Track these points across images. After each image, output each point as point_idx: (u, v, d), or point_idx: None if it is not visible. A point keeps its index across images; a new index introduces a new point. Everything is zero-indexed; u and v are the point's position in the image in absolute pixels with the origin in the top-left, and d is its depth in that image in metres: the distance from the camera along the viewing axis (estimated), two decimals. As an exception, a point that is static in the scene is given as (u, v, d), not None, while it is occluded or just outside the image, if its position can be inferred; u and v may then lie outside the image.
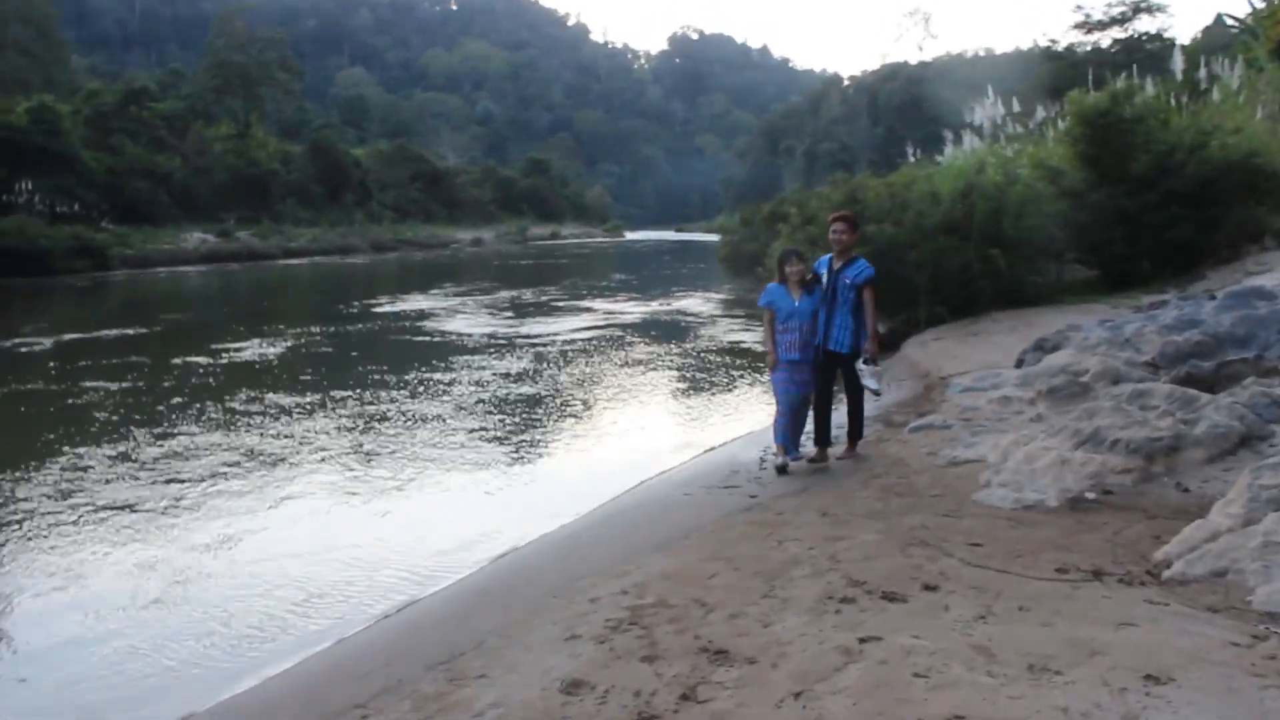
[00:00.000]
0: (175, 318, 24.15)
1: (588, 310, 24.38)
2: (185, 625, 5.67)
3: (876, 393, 7.61)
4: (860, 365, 7.41)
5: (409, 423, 11.09)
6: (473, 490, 8.42)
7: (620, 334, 19.50)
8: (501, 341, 18.24)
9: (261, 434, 10.56)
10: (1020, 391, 8.54)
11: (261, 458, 9.50)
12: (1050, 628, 3.99)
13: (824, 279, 7.51)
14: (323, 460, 9.44)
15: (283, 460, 9.46)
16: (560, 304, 26.29)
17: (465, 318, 22.83)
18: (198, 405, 12.23)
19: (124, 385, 13.74)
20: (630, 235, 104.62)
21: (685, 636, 4.15)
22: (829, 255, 7.64)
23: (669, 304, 26.31)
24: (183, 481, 8.69)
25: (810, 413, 7.70)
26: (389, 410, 11.82)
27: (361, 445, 10.07)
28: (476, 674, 4.13)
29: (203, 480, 8.69)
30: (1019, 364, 9.72)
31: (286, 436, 10.45)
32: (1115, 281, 14.79)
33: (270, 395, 12.86)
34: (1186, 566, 4.73)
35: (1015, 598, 4.36)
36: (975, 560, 4.90)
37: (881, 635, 3.95)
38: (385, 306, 25.70)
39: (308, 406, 12.14)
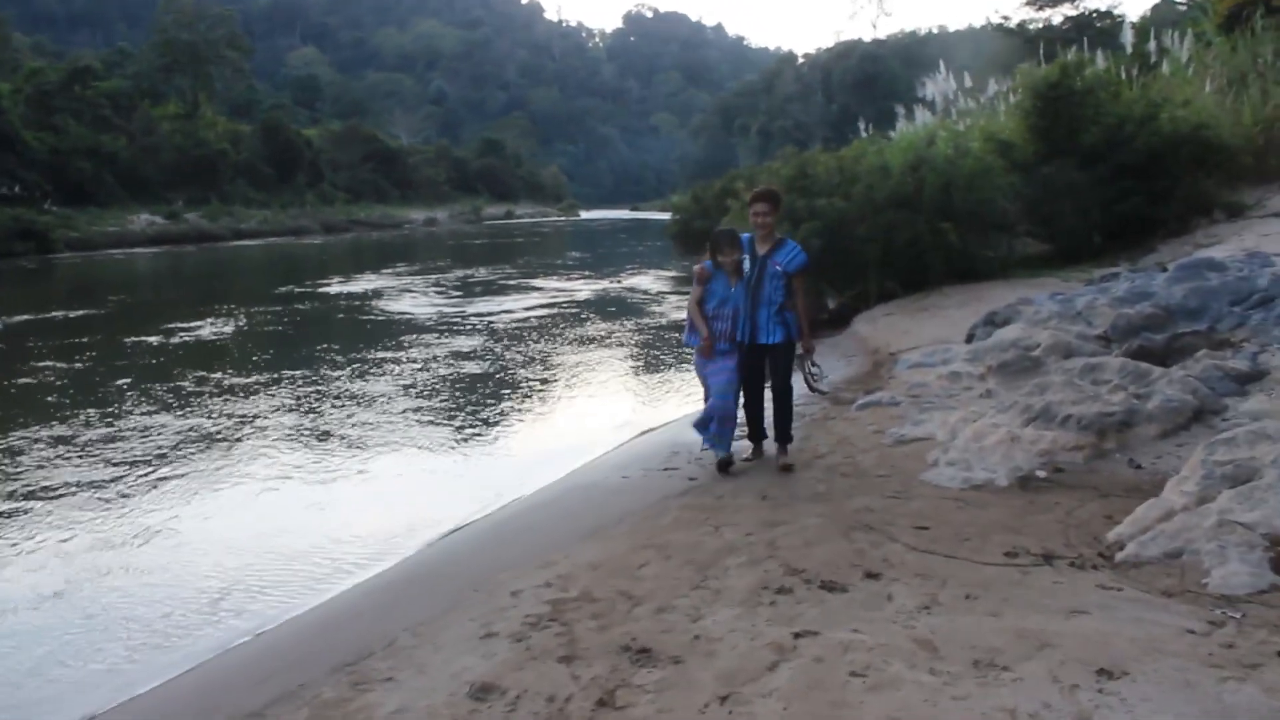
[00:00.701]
0: (121, 300, 23.52)
1: (538, 289, 24.00)
2: (88, 622, 5.28)
3: (825, 391, 7.40)
4: (812, 369, 6.94)
5: (349, 405, 10.70)
6: (409, 475, 8.06)
7: (569, 312, 19.16)
8: (449, 321, 17.83)
9: (200, 417, 10.15)
10: (970, 367, 8.32)
11: (197, 442, 9.09)
12: (998, 618, 3.74)
13: (746, 264, 6.55)
14: (259, 444, 9.04)
15: (219, 444, 9.06)
16: (512, 283, 25.87)
17: (415, 297, 22.38)
18: (139, 388, 11.79)
19: (66, 367, 13.29)
20: (585, 214, 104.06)
21: (608, 633, 3.85)
22: (749, 235, 6.68)
23: (620, 282, 25.98)
24: (115, 465, 8.28)
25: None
26: (331, 392, 11.42)
27: (300, 428, 9.68)
28: (383, 677, 3.81)
29: (134, 465, 8.27)
30: (969, 339, 9.51)
31: (225, 419, 10.04)
32: (1066, 255, 14.66)
33: (213, 378, 12.42)
34: (1140, 548, 4.51)
35: (962, 585, 4.11)
36: (921, 545, 4.65)
37: (818, 630, 3.67)
38: (336, 287, 25.15)
39: (249, 389, 11.72)
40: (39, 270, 33.13)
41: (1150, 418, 6.20)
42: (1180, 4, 28.08)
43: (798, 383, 6.91)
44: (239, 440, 9.22)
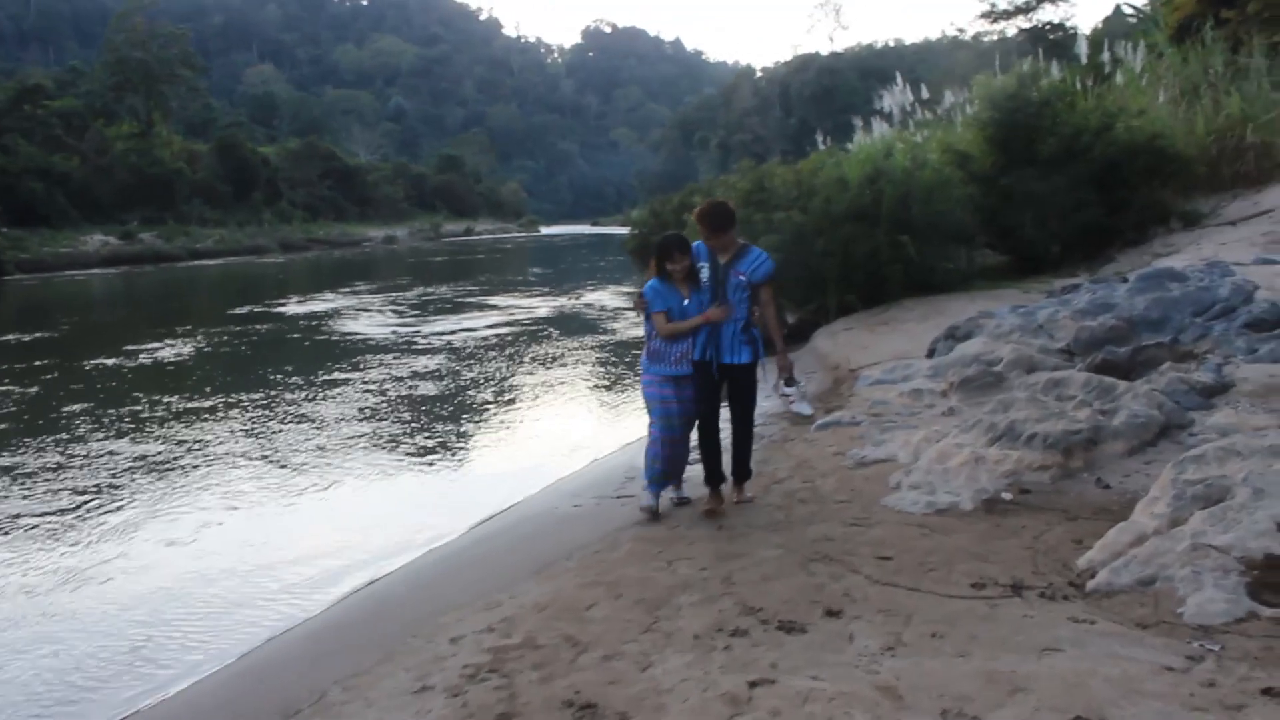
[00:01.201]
0: (72, 323, 23.00)
1: (497, 306, 23.71)
2: None
3: (810, 415, 6.62)
4: (785, 389, 6.06)
5: (298, 431, 10.38)
6: (356, 506, 7.77)
7: (527, 330, 18.90)
8: (406, 341, 17.51)
9: (146, 444, 9.84)
10: (932, 383, 8.13)
11: (140, 472, 8.75)
12: (966, 658, 3.51)
13: (704, 273, 5.80)
14: (203, 475, 8.72)
15: (162, 474, 8.73)
16: (471, 300, 25.56)
17: (373, 317, 22.04)
18: (86, 415, 11.46)
19: (12, 393, 12.92)
20: (546, 230, 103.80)
21: (551, 686, 3.58)
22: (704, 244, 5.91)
23: (578, 298, 25.74)
24: (51, 497, 7.95)
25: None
26: (280, 417, 11.09)
27: (247, 455, 9.37)
28: (309, 738, 3.53)
29: (73, 498, 7.94)
30: (930, 353, 9.34)
31: (172, 447, 9.73)
32: (1026, 266, 14.59)
33: (163, 403, 12.12)
34: (1112, 576, 4.30)
35: (928, 621, 3.88)
36: (884, 577, 4.42)
37: (775, 678, 3.42)
38: (293, 307, 24.73)
39: (199, 415, 11.41)
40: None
41: (1117, 434, 6.03)
42: (1131, 16, 28.29)
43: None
44: (183, 470, 8.89)
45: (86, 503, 7.90)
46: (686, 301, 5.83)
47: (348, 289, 30.54)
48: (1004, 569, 4.45)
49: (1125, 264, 13.12)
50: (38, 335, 20.00)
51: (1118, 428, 6.05)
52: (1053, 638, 3.67)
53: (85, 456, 9.43)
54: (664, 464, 5.91)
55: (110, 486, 8.35)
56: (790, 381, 6.01)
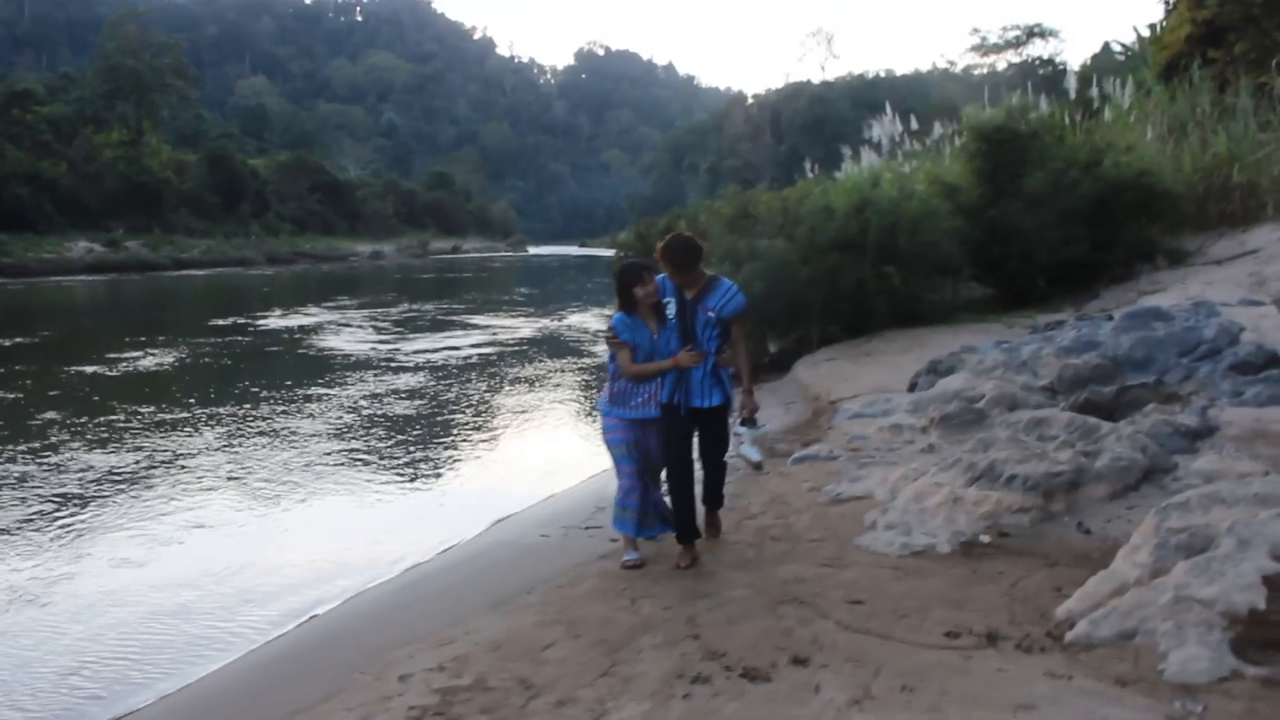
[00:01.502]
0: (52, 330, 22.72)
1: (481, 326, 23.52)
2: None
3: (758, 465, 5.72)
4: (738, 428, 5.54)
5: (266, 449, 10.18)
6: (316, 530, 7.56)
7: (508, 351, 18.72)
8: (387, 359, 17.30)
9: (110, 455, 9.67)
10: (912, 419, 7.98)
11: (100, 485, 8.55)
12: (938, 714, 3.34)
13: (670, 308, 5.35)
14: (165, 490, 8.53)
15: (122, 489, 8.53)
16: (456, 319, 25.37)
17: (357, 333, 21.85)
18: (55, 425, 11.31)
19: None
20: (534, 250, 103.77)
21: (498, 734, 3.40)
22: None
23: (562, 320, 25.60)
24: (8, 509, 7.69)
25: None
26: (250, 433, 10.91)
27: (213, 472, 9.18)
28: (240, 783, 3.33)
29: (30, 510, 7.67)
30: (912, 387, 9.19)
31: (137, 459, 9.54)
32: (1011, 300, 14.49)
33: (133, 416, 11.93)
34: (1091, 627, 4.13)
35: (898, 673, 3.70)
36: (855, 623, 4.24)
37: (735, 732, 3.25)
38: (277, 321, 24.53)
39: (170, 427, 11.26)
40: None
41: (1099, 477, 5.88)
42: (1120, 54, 28.43)
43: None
44: (147, 484, 8.70)
45: (44, 513, 7.68)
46: (657, 337, 5.36)
47: (332, 304, 30.33)
48: (980, 617, 4.28)
49: (1111, 300, 13.03)
50: (17, 340, 19.78)
51: (1100, 470, 5.89)
52: (1028, 694, 3.50)
53: (51, 466, 9.24)
54: (639, 510, 5.41)
55: (71, 498, 8.14)
56: (748, 422, 5.52)
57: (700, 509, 5.56)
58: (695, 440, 5.51)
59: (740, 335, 5.53)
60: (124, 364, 16.36)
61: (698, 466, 5.56)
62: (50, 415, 11.90)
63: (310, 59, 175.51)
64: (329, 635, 5.10)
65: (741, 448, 5.53)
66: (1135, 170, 14.45)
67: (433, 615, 4.98)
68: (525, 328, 23.66)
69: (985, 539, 5.36)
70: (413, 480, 9.07)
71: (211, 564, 6.61)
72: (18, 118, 55.86)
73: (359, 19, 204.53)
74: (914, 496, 5.90)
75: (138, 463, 9.47)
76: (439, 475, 9.36)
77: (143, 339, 19.73)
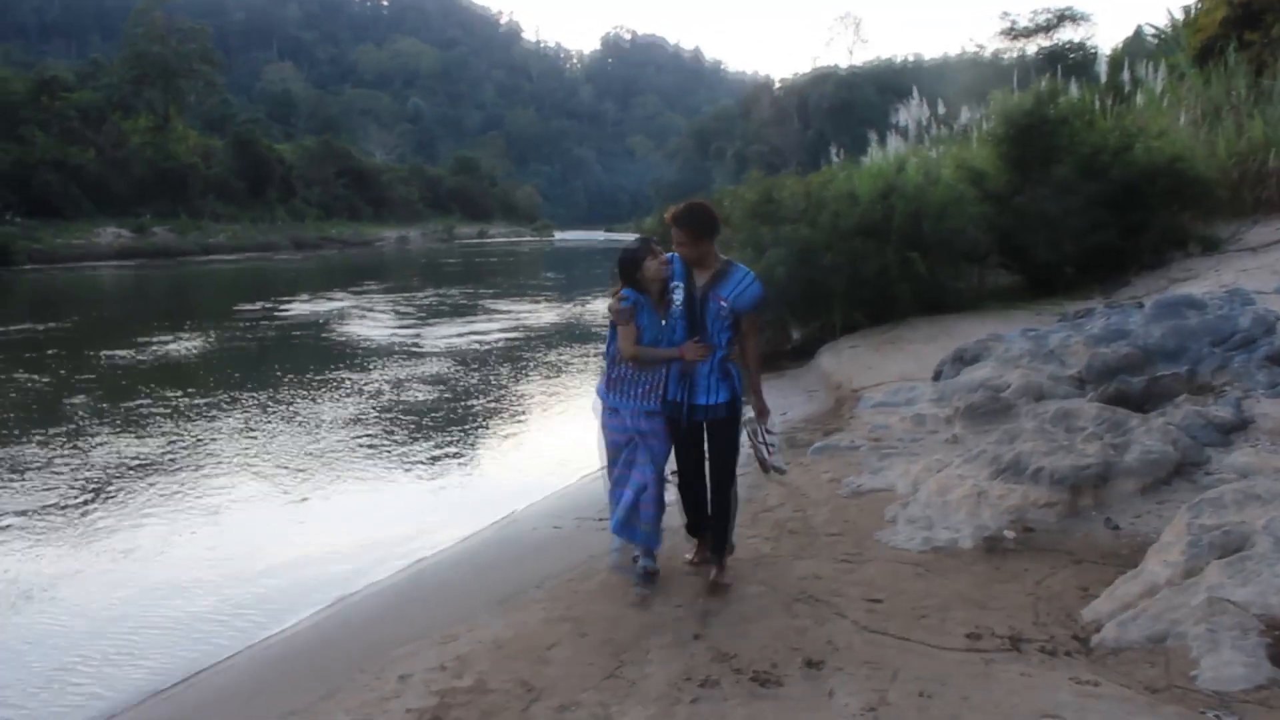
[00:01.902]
0: (84, 316, 22.82)
1: (504, 312, 23.39)
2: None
3: (781, 470, 5.13)
4: (766, 439, 4.93)
5: (284, 436, 10.10)
6: (326, 521, 7.42)
7: (530, 338, 18.61)
8: (410, 345, 17.21)
9: (126, 442, 9.66)
10: (936, 409, 7.79)
11: (113, 474, 8.47)
12: (956, 723, 3.19)
13: (677, 294, 4.75)
14: (185, 479, 8.45)
15: (145, 475, 8.49)
16: (479, 305, 25.28)
17: (382, 319, 21.81)
18: (87, 408, 11.49)
19: (26, 381, 12.93)
20: (559, 235, 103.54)
21: (497, 739, 3.27)
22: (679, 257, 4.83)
23: (586, 305, 25.46)
24: (22, 494, 7.65)
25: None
26: (269, 421, 10.84)
27: (228, 460, 9.10)
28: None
29: (37, 500, 7.62)
30: (936, 376, 8.99)
31: (162, 445, 9.54)
32: (1039, 287, 14.21)
33: (157, 398, 12.00)
34: (1119, 630, 3.96)
35: (916, 678, 3.55)
36: (872, 623, 4.09)
37: (743, 740, 3.11)
38: (303, 306, 24.52)
39: (193, 413, 11.25)
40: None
41: (1129, 471, 5.68)
42: (1152, 38, 28.01)
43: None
44: (164, 473, 8.66)
45: (49, 503, 7.62)
46: (664, 322, 4.80)
47: (358, 289, 30.30)
48: (1003, 618, 4.12)
49: (1141, 288, 12.76)
50: (50, 326, 19.93)
51: (1130, 464, 5.70)
52: (1053, 702, 3.34)
53: (77, 452, 9.28)
54: (650, 517, 4.79)
55: (90, 485, 8.10)
56: (761, 427, 4.93)
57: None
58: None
59: (752, 329, 4.83)
60: (152, 350, 16.39)
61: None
62: (79, 400, 11.99)
63: (336, 45, 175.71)
64: (332, 630, 4.99)
65: (774, 458, 4.93)
66: (1168, 156, 14.13)
67: (438, 611, 4.86)
68: (549, 313, 23.55)
69: (1009, 535, 5.18)
70: (428, 470, 8.95)
71: (220, 556, 6.52)
72: (46, 105, 56.04)
73: (385, 4, 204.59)
74: (936, 490, 5.73)
75: (160, 451, 9.42)
76: (455, 465, 9.23)
77: (169, 325, 19.76)
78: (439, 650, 4.15)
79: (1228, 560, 4.22)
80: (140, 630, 5.29)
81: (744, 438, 4.92)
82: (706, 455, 4.92)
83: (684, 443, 4.89)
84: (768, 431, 4.94)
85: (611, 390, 4.90)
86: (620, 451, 4.88)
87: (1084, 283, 13.97)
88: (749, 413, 4.94)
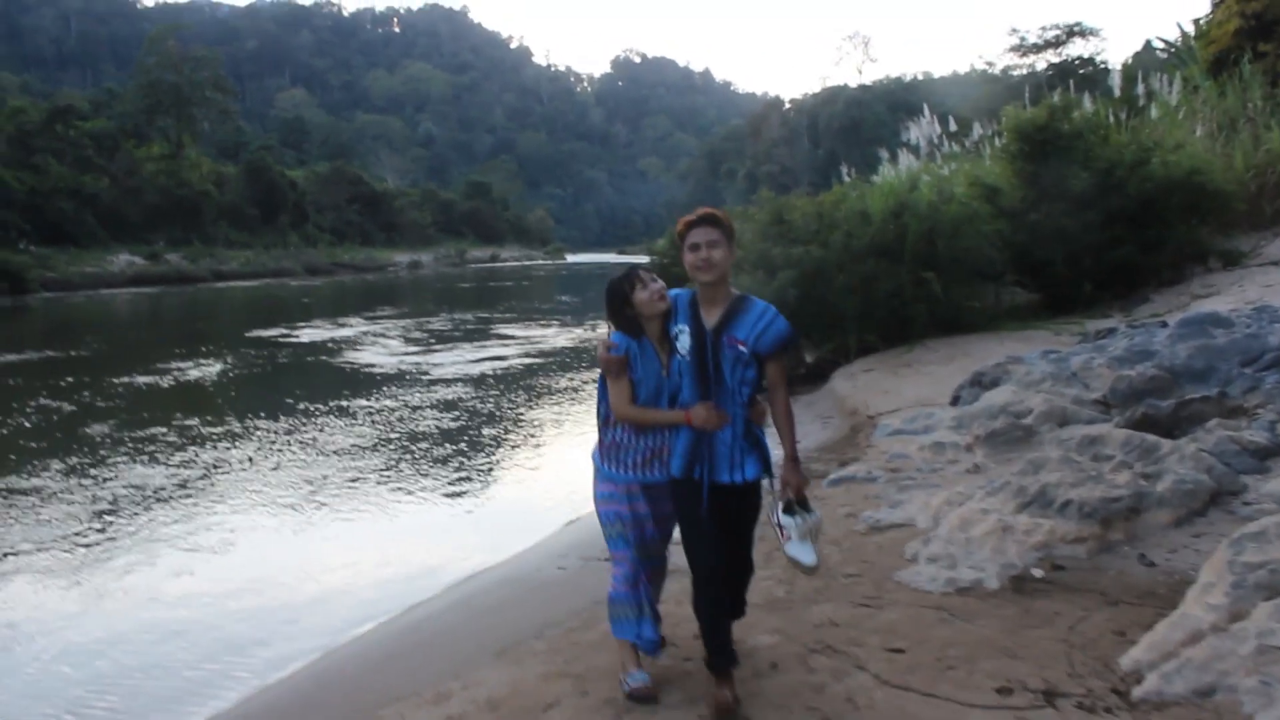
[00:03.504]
0: (99, 343, 22.82)
1: (518, 338, 23.22)
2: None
3: (812, 568, 3.77)
4: (781, 517, 3.75)
5: (290, 467, 9.97)
6: (320, 563, 7.14)
7: (543, 363, 18.41)
8: (419, 373, 17.03)
9: (133, 471, 9.72)
10: (956, 436, 7.50)
11: (113, 509, 8.26)
12: (988, 794, 2.91)
13: (682, 340, 3.78)
14: (191, 509, 8.32)
15: (153, 506, 8.40)
16: (493, 330, 25.13)
17: (392, 345, 21.70)
18: (106, 435, 11.57)
19: (47, 407, 12.99)
20: (572, 258, 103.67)
21: (487, 817, 3.02)
22: (686, 292, 3.88)
23: (598, 329, 25.25)
24: (33, 524, 7.47)
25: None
26: (279, 448, 10.83)
27: (236, 490, 9.00)
28: None
29: (46, 524, 7.42)
30: (954, 401, 8.72)
31: (172, 472, 9.42)
32: (1056, 305, 13.93)
33: (171, 425, 12.06)
34: (1162, 682, 3.67)
35: (943, 740, 3.28)
36: (894, 676, 3.81)
37: (754, 819, 2.84)
38: (316, 332, 24.41)
39: (204, 440, 11.35)
40: (11, 310, 32.64)
41: (1161, 502, 5.40)
42: (1162, 51, 27.78)
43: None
44: (171, 505, 8.64)
45: (54, 539, 7.42)
46: (666, 373, 3.87)
47: (371, 315, 30.20)
48: (1035, 668, 3.83)
49: (1161, 305, 12.48)
50: (66, 353, 19.99)
51: (1162, 494, 5.42)
52: (1095, 768, 3.06)
53: (93, 480, 9.33)
54: (642, 607, 3.92)
55: (84, 519, 7.93)
56: (794, 509, 3.74)
57: None
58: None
59: (780, 378, 3.79)
60: (169, 376, 16.47)
61: None
62: (96, 427, 12.03)
63: (348, 70, 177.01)
64: (319, 685, 4.73)
65: (788, 546, 3.74)
66: (1185, 169, 13.86)
67: (432, 663, 4.59)
68: (561, 337, 23.37)
69: (1038, 573, 4.90)
70: (434, 504, 8.71)
71: (211, 597, 6.31)
72: (61, 133, 56.44)
73: (396, 30, 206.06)
74: (959, 524, 5.45)
75: (168, 480, 9.43)
76: (461, 497, 8.97)
77: (184, 351, 19.73)
78: (430, 711, 3.87)
79: (1276, 602, 3.93)
80: (114, 684, 5.05)
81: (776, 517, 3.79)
82: (734, 539, 3.86)
83: (702, 530, 3.73)
84: (804, 510, 3.75)
85: (607, 459, 3.99)
86: (629, 535, 3.94)
87: (1102, 299, 13.68)
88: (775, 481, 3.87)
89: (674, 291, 3.91)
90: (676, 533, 3.96)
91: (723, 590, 3.75)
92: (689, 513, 3.76)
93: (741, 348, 3.70)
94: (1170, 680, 3.67)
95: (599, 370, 3.99)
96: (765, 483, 3.84)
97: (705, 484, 3.72)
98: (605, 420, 4.00)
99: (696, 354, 3.74)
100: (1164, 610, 4.23)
